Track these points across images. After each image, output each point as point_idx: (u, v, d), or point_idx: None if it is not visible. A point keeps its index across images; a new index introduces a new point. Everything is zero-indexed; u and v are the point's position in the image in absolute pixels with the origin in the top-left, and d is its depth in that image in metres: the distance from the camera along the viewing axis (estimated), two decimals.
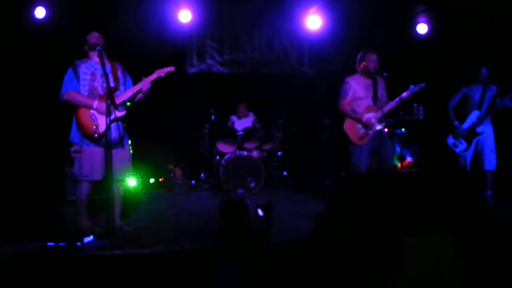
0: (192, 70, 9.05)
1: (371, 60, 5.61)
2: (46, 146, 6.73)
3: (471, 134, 6.11)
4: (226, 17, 9.05)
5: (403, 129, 8.59)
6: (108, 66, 4.85)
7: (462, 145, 6.17)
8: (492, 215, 4.11)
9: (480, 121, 6.07)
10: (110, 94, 4.54)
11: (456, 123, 6.19)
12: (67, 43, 5.18)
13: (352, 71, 5.84)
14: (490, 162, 6.10)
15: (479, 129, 6.08)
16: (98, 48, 4.64)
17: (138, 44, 8.29)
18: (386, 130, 5.82)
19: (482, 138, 6.14)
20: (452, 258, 3.40)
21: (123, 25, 8.01)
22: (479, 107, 6.13)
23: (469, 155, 6.18)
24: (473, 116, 6.14)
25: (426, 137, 8.43)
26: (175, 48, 8.81)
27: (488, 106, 6.09)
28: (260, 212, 4.38)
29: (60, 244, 4.03)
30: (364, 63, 5.64)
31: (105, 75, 4.56)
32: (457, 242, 3.42)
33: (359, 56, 5.73)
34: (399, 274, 3.28)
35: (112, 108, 4.54)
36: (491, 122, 6.18)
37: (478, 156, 6.17)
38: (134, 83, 4.98)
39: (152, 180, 8.25)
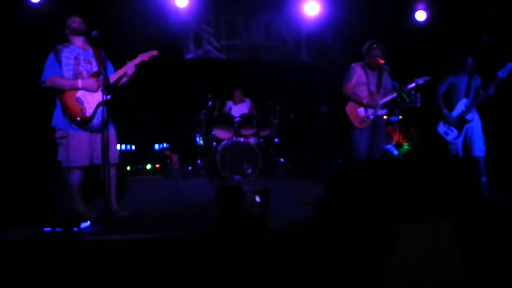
0: (189, 56, 9.01)
1: (376, 55, 5.61)
2: (42, 132, 6.70)
3: (461, 122, 6.14)
4: (223, 2, 9.02)
5: (400, 117, 8.60)
6: (90, 51, 4.84)
7: (453, 133, 6.20)
8: (487, 203, 4.12)
9: (468, 109, 6.11)
10: (105, 75, 4.51)
11: (446, 111, 6.22)
12: (62, 28, 5.13)
13: (349, 58, 5.84)
14: (480, 148, 6.17)
15: (468, 117, 6.12)
16: (94, 33, 4.59)
17: (135, 30, 8.24)
18: (384, 117, 5.85)
19: (471, 126, 6.18)
20: (447, 245, 3.42)
21: (120, 10, 7.96)
22: (466, 95, 6.16)
23: (459, 142, 6.22)
24: (461, 104, 6.18)
25: (423, 124, 8.44)
26: (172, 34, 8.77)
27: (474, 95, 6.13)
28: (257, 198, 4.39)
29: (57, 229, 4.03)
30: (369, 53, 5.66)
31: (101, 57, 4.55)
32: (453, 229, 3.44)
33: (366, 45, 5.74)
34: (394, 260, 3.29)
35: (100, 90, 4.53)
36: (476, 110, 6.22)
37: (468, 143, 6.23)
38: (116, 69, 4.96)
39: (149, 166, 8.24)
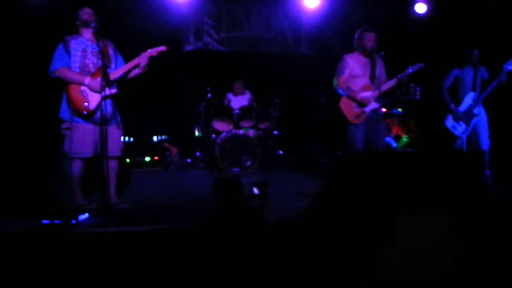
0: (189, 48, 8.99)
1: (369, 39, 5.55)
2: (42, 123, 6.69)
3: (469, 116, 6.10)
4: None
5: (399, 109, 8.59)
6: (99, 43, 4.81)
7: (461, 127, 6.15)
8: (489, 195, 4.12)
9: (476, 102, 6.07)
10: (104, 71, 4.51)
11: (453, 106, 6.16)
12: (63, 19, 5.11)
13: (350, 51, 5.80)
14: (486, 142, 6.15)
15: (476, 111, 6.08)
16: (93, 24, 4.60)
17: (135, 21, 8.24)
18: (383, 110, 5.80)
19: (478, 119, 6.15)
20: (445, 238, 3.42)
21: (120, 2, 7.94)
22: (473, 89, 6.13)
23: (465, 136, 6.18)
24: (469, 98, 6.13)
25: (422, 117, 8.45)
26: (172, 25, 8.75)
27: (481, 88, 6.10)
28: (255, 190, 4.38)
29: (55, 221, 4.03)
30: (361, 41, 5.60)
31: (101, 52, 4.54)
32: (451, 222, 3.44)
33: (357, 34, 5.67)
34: (392, 252, 3.30)
35: (104, 85, 4.52)
36: (482, 104, 6.19)
37: (474, 137, 6.20)
38: (127, 61, 4.94)
39: (148, 158, 8.24)
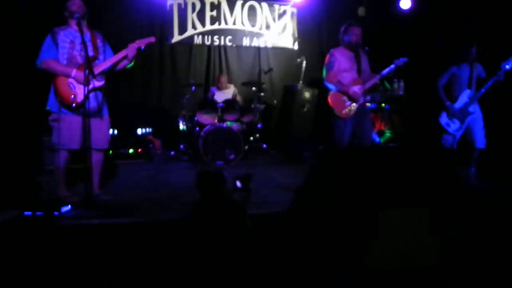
0: (173, 40, 8.96)
1: (355, 34, 5.59)
2: (23, 115, 6.63)
3: (464, 114, 6.15)
4: None
5: (383, 104, 8.65)
6: (87, 34, 4.78)
7: (455, 125, 6.20)
8: (468, 191, 4.18)
9: (472, 100, 6.12)
10: (88, 63, 4.49)
11: (448, 103, 6.21)
12: (51, 10, 5.08)
13: (334, 45, 5.83)
14: (481, 140, 6.22)
15: (471, 109, 6.13)
16: (76, 15, 4.58)
17: (120, 13, 8.20)
18: (368, 104, 5.83)
19: (473, 118, 6.21)
20: (426, 232, 3.46)
21: None
22: (469, 86, 6.17)
23: (458, 134, 6.24)
24: (464, 96, 6.18)
25: (406, 112, 8.51)
26: (157, 18, 8.74)
27: (477, 85, 6.14)
28: (238, 183, 4.39)
29: (37, 213, 4.02)
30: (347, 35, 5.63)
31: (84, 43, 4.51)
32: (432, 216, 3.48)
33: (342, 28, 5.71)
34: (374, 246, 3.33)
35: (90, 77, 4.51)
36: (478, 103, 6.25)
37: (469, 135, 6.27)
38: (115, 53, 4.93)
39: (131, 151, 8.21)
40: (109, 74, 4.93)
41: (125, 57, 4.89)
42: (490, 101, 6.30)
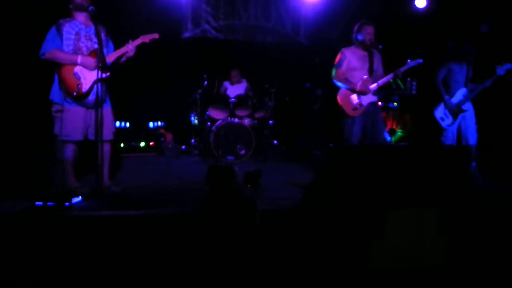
0: (187, 35, 8.98)
1: (368, 32, 5.56)
2: (36, 105, 6.67)
3: (457, 110, 6.19)
4: None
5: (395, 103, 8.62)
6: (92, 28, 4.80)
7: (448, 120, 6.26)
8: (473, 190, 4.17)
9: (466, 99, 6.16)
10: (101, 54, 4.52)
11: (447, 97, 6.25)
12: (54, 2, 5.10)
13: (347, 43, 5.81)
14: (474, 136, 6.28)
15: (465, 107, 6.18)
16: (91, 8, 4.60)
17: (134, 8, 8.22)
18: (380, 103, 5.82)
19: (466, 115, 6.27)
20: (434, 232, 3.46)
21: None
22: (465, 85, 6.21)
23: (453, 130, 6.28)
24: (460, 94, 6.23)
25: (418, 111, 8.47)
26: (170, 12, 8.74)
27: (470, 87, 6.21)
28: (248, 179, 4.41)
29: (48, 203, 4.05)
30: (360, 35, 5.61)
31: (98, 35, 4.53)
32: (439, 217, 3.47)
33: (355, 27, 5.68)
34: (380, 245, 3.33)
35: (100, 66, 4.53)
36: (470, 101, 6.32)
37: (462, 132, 6.32)
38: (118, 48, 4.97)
39: (142, 144, 8.26)
40: (114, 67, 4.94)
41: (124, 54, 4.96)
42: (489, 100, 6.40)
